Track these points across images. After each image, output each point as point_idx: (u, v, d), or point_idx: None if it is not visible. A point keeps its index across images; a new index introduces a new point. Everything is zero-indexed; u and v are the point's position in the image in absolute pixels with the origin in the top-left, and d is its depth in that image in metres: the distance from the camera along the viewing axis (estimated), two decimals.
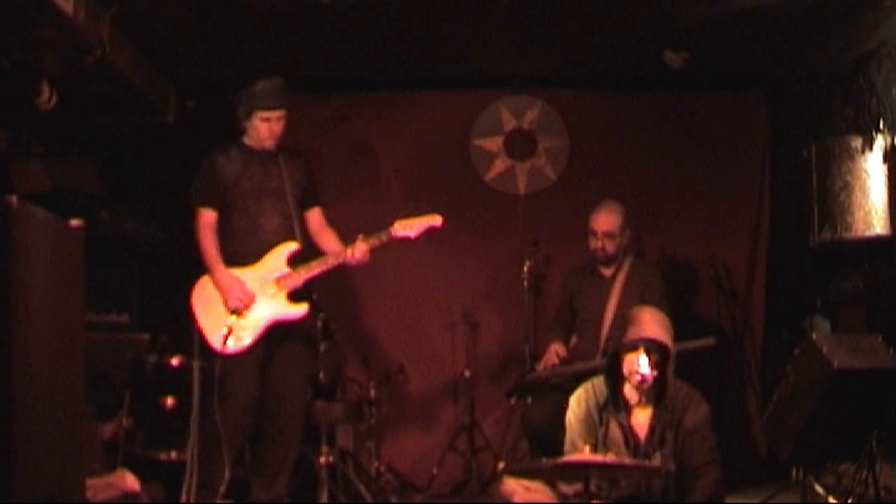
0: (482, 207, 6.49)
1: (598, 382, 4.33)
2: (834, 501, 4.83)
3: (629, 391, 4.23)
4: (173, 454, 4.92)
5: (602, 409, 4.25)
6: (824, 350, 4.57)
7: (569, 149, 6.53)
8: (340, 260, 4.92)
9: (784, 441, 4.75)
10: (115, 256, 5.34)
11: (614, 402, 4.23)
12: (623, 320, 4.32)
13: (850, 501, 4.81)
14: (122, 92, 5.60)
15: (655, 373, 4.14)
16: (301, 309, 4.86)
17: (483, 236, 6.48)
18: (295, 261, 4.91)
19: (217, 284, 4.82)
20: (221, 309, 4.80)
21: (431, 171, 6.50)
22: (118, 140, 6.18)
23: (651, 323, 4.19)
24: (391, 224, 4.97)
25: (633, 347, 4.15)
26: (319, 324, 5.55)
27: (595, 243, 5.49)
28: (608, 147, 6.53)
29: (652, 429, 4.18)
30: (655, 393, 4.20)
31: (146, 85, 5.77)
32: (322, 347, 5.57)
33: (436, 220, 5.02)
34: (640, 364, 4.12)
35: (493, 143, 6.53)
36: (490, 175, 6.52)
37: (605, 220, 5.47)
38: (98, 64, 5.00)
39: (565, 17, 5.34)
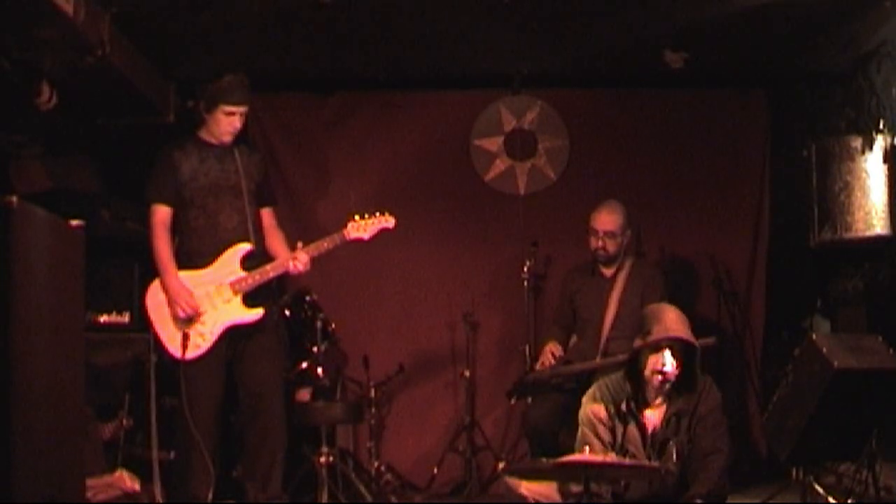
0: (482, 207, 6.49)
1: (611, 383, 4.29)
2: (834, 501, 4.83)
3: (649, 391, 4.20)
4: (173, 454, 4.92)
5: (620, 410, 4.22)
6: (824, 350, 4.56)
7: (569, 149, 6.53)
8: (286, 268, 4.88)
9: (784, 441, 4.74)
10: (115, 256, 5.33)
11: (636, 403, 4.20)
12: (644, 319, 4.27)
13: (850, 501, 4.81)
14: (122, 92, 5.60)
15: (677, 371, 4.14)
16: (257, 313, 4.81)
17: (483, 236, 6.48)
18: (249, 260, 4.86)
19: (165, 289, 4.77)
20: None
21: (431, 171, 6.50)
22: (118, 140, 6.17)
23: (676, 322, 4.17)
24: (344, 225, 4.95)
25: (658, 347, 4.12)
26: (319, 324, 5.56)
27: (596, 242, 5.49)
28: (608, 147, 6.52)
29: (668, 419, 4.19)
30: (678, 387, 4.19)
31: (146, 85, 5.77)
32: (322, 347, 5.57)
33: (389, 222, 5.01)
34: (665, 363, 4.09)
35: (493, 143, 6.53)
36: (490, 175, 6.52)
37: (607, 220, 5.47)
38: (98, 64, 5.00)
39: (565, 17, 5.34)
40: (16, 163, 5.50)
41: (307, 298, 5.72)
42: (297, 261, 4.87)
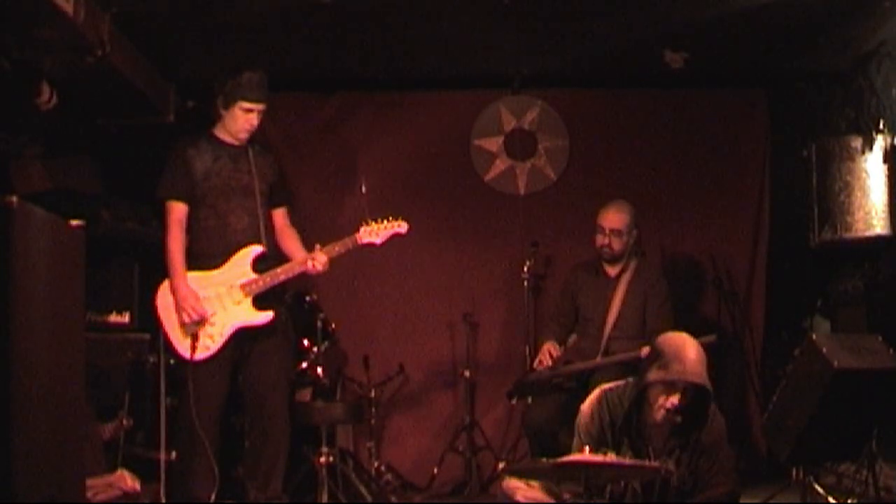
0: (482, 207, 6.50)
1: (612, 396, 4.12)
2: (834, 501, 4.83)
3: (652, 420, 4.00)
4: (174, 454, 4.92)
5: (616, 428, 4.04)
6: (824, 350, 4.56)
7: (569, 149, 6.53)
8: (302, 269, 4.87)
9: (784, 441, 4.74)
10: (115, 256, 5.32)
11: (634, 427, 4.03)
12: (662, 351, 3.98)
13: (850, 501, 4.81)
14: (122, 92, 5.60)
15: (683, 405, 3.92)
16: (266, 315, 4.79)
17: (483, 236, 6.48)
18: (260, 262, 4.85)
19: (174, 292, 4.74)
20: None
21: (431, 171, 6.50)
22: (118, 140, 6.17)
23: (696, 364, 3.92)
24: (356, 230, 4.93)
25: (673, 387, 3.90)
26: (319, 324, 5.56)
27: (602, 240, 5.50)
28: (608, 147, 6.53)
29: (670, 450, 4.02)
30: (683, 427, 4.00)
31: (146, 85, 5.77)
32: (322, 347, 5.57)
33: (401, 227, 4.99)
34: (674, 405, 3.90)
35: (493, 143, 6.53)
36: (490, 175, 6.52)
37: (614, 218, 5.48)
38: (98, 64, 5.00)
39: (565, 17, 5.34)
40: (16, 163, 5.51)
41: (307, 298, 5.73)
42: (316, 261, 4.85)
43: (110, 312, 5.28)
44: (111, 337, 5.22)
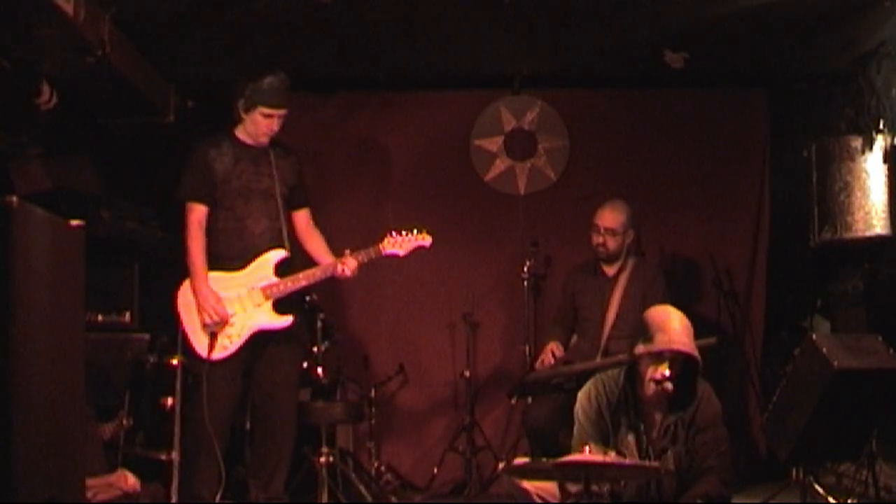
0: (482, 207, 6.50)
1: (609, 380, 4.20)
2: (834, 501, 4.83)
3: (645, 395, 4.06)
4: (174, 454, 4.92)
5: (614, 410, 4.11)
6: (824, 350, 4.56)
7: (569, 149, 6.53)
8: (329, 274, 4.87)
9: (784, 441, 4.74)
10: (115, 256, 5.33)
11: (630, 405, 4.09)
12: (647, 323, 4.06)
13: (850, 501, 4.81)
14: (122, 92, 5.61)
15: (674, 379, 3.99)
16: (286, 320, 4.79)
17: (483, 236, 6.48)
18: (283, 266, 4.84)
19: (195, 293, 4.73)
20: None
21: (431, 171, 6.50)
22: (118, 140, 6.17)
23: (681, 333, 4.00)
24: (381, 239, 4.95)
25: (660, 358, 3.97)
26: (319, 324, 5.56)
27: (597, 238, 5.51)
28: (608, 147, 6.53)
29: (666, 428, 4.08)
30: (676, 399, 4.07)
31: (146, 85, 5.77)
32: (322, 347, 5.57)
33: (426, 240, 5.00)
34: (664, 376, 3.95)
35: (494, 143, 6.53)
36: (490, 175, 6.52)
37: (609, 217, 5.49)
38: (98, 64, 5.00)
39: (565, 17, 5.34)
40: (16, 163, 5.51)
41: (307, 298, 5.72)
42: (346, 265, 4.85)
43: (110, 312, 5.28)
44: (111, 337, 5.22)
